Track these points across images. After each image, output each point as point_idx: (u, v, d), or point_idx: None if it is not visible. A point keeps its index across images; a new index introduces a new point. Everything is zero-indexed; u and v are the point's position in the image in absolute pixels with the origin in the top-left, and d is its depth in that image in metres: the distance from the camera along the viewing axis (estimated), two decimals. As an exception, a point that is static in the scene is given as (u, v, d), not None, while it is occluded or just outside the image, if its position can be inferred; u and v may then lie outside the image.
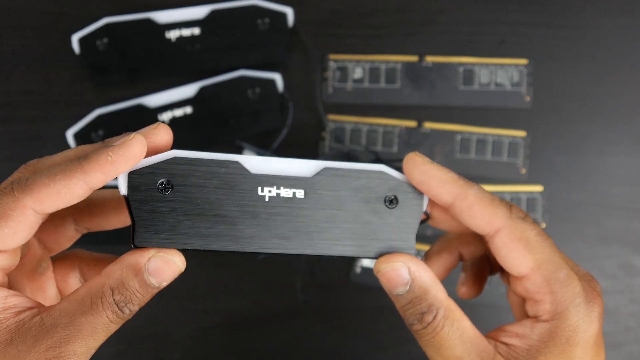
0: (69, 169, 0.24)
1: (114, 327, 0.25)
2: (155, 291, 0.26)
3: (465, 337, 0.27)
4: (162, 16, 0.53)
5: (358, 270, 0.53)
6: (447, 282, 0.32)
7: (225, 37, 0.54)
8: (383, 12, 0.56)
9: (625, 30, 0.56)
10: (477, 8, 0.56)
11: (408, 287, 0.27)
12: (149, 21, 0.53)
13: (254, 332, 0.53)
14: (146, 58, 0.54)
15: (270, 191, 0.26)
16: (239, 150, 0.53)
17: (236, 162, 0.25)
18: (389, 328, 0.53)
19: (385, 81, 0.55)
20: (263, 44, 0.54)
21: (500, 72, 0.56)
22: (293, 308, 0.53)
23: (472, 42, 0.56)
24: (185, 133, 0.53)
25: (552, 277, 0.27)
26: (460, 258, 0.33)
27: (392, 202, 0.27)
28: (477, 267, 0.34)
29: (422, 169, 0.27)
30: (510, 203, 0.28)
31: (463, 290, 0.34)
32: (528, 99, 0.55)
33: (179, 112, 0.54)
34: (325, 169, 0.26)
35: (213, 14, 0.54)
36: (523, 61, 0.56)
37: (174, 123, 0.53)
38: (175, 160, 0.25)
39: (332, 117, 0.55)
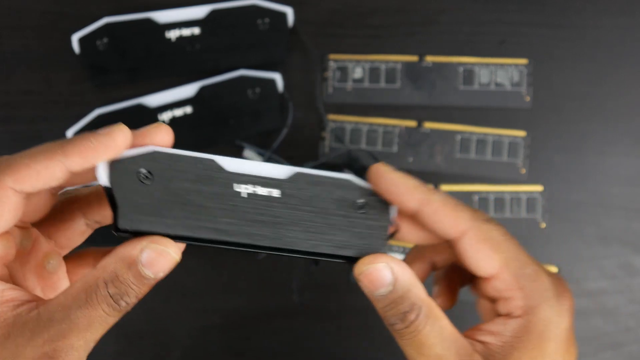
0: (50, 150, 0.25)
1: (112, 320, 0.25)
2: (153, 282, 0.25)
3: (445, 336, 0.27)
4: (162, 16, 0.53)
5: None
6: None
7: (225, 37, 0.54)
8: (383, 12, 0.56)
9: (625, 30, 0.56)
10: (477, 8, 0.56)
11: (391, 288, 0.27)
12: (149, 21, 0.53)
13: (253, 332, 0.53)
14: (146, 58, 0.54)
15: (247, 188, 0.27)
16: (239, 150, 0.53)
17: (211, 160, 0.27)
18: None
19: (385, 81, 0.55)
20: (263, 44, 0.54)
21: (500, 72, 0.56)
22: (293, 308, 0.53)
23: (472, 42, 0.56)
24: (185, 133, 0.53)
25: (520, 273, 0.27)
26: (433, 267, 0.34)
27: (361, 208, 0.28)
28: (449, 278, 0.34)
29: (386, 177, 0.28)
30: (473, 208, 0.29)
31: (438, 302, 0.34)
32: (528, 99, 0.55)
33: (179, 112, 0.54)
34: (298, 174, 0.27)
35: (213, 13, 0.54)
36: (523, 61, 0.56)
37: (174, 123, 0.53)
38: (155, 154, 0.26)
39: (332, 117, 0.55)
